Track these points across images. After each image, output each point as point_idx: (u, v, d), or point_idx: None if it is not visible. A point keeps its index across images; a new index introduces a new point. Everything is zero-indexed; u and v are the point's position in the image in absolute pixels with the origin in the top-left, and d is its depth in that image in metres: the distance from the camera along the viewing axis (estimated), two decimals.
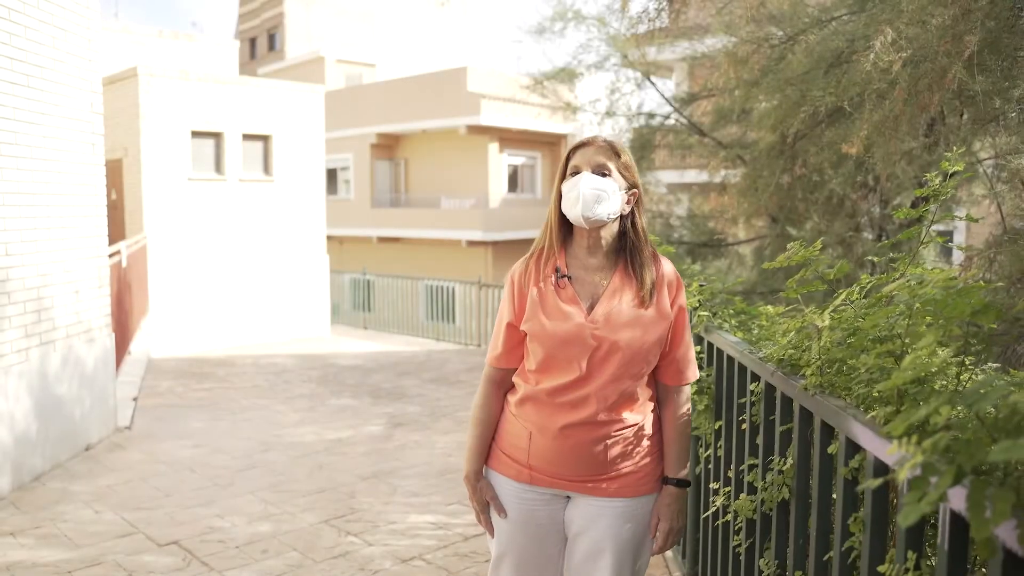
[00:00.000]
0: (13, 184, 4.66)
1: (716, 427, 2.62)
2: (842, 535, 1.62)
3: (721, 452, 2.56)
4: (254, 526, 4.09)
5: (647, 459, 1.91)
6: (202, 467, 5.17)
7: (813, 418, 1.77)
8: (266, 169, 12.58)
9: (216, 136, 11.96)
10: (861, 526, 1.55)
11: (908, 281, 1.49)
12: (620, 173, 1.86)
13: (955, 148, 2.10)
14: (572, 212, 1.82)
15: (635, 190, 1.89)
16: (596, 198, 1.79)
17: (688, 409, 1.97)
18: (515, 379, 1.94)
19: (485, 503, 1.96)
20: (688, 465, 1.98)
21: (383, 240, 22.01)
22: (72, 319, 5.33)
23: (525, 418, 1.89)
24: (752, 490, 2.21)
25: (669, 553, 3.44)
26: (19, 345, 4.74)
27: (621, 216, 1.87)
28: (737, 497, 2.34)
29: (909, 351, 1.53)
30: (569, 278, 1.86)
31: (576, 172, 1.85)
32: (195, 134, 11.68)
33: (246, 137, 12.22)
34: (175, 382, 8.31)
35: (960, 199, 5.82)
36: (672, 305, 1.88)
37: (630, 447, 1.87)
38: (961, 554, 1.19)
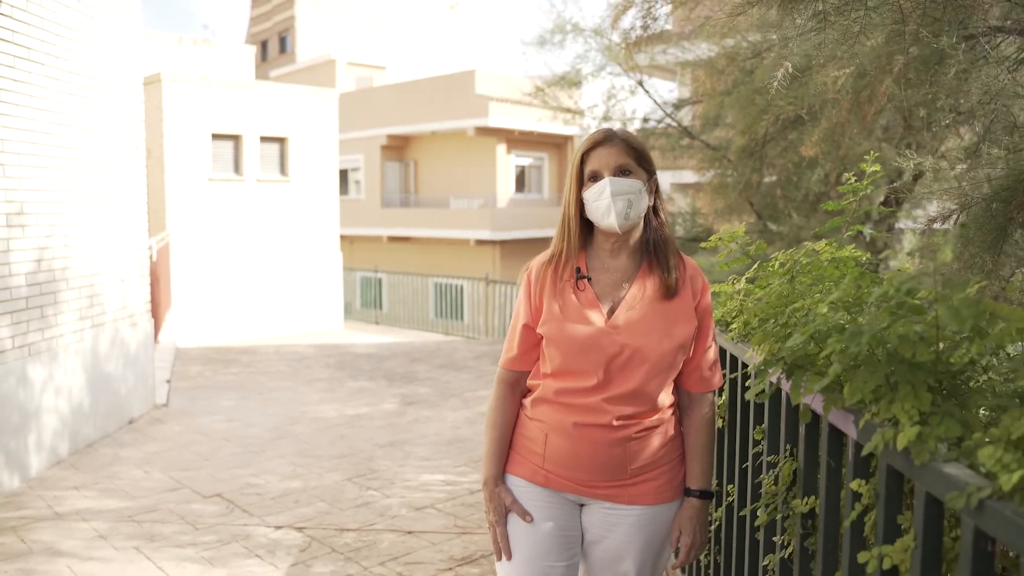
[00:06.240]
0: (71, 183, 5.24)
1: None
2: (752, 443, 2.16)
3: None
4: (286, 483, 4.66)
5: (667, 465, 1.82)
6: (236, 437, 5.75)
7: (737, 361, 2.31)
8: (282, 170, 13.19)
9: (235, 138, 12.57)
10: (762, 433, 2.09)
11: (794, 253, 2.03)
12: (641, 167, 1.75)
13: (871, 153, 2.63)
14: (604, 222, 1.71)
15: (654, 178, 1.78)
16: (628, 203, 1.69)
17: (712, 417, 1.89)
18: (530, 381, 1.86)
19: (503, 511, 1.83)
20: (712, 476, 1.90)
21: (393, 239, 22.55)
22: (118, 304, 5.92)
23: (540, 419, 1.80)
24: None
25: None
26: (75, 327, 5.33)
27: None
28: None
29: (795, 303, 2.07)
30: (589, 279, 1.77)
31: (596, 176, 1.73)
32: (215, 136, 12.30)
33: (263, 139, 12.83)
34: (203, 367, 8.91)
35: (925, 194, 6.32)
36: (697, 307, 1.79)
37: (651, 451, 1.78)
38: (814, 440, 1.73)
